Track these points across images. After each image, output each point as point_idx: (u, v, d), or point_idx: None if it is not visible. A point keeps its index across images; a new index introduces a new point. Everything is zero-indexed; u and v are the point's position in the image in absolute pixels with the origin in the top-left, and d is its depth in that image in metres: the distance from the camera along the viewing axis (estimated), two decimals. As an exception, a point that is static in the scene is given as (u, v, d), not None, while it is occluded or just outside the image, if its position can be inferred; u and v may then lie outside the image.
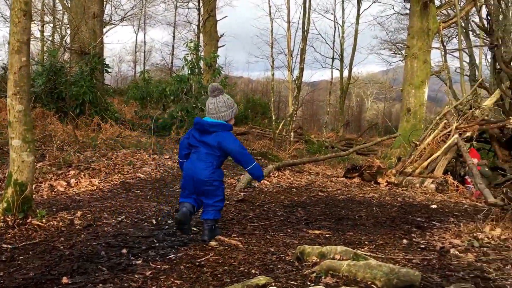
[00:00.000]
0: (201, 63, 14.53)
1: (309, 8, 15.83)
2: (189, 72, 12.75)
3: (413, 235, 4.53)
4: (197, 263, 3.27)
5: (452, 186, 7.95)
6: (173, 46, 35.59)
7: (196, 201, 3.91)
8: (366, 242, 4.12)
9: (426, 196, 7.31)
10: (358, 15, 31.33)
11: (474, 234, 4.49)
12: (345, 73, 33.01)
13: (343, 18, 32.80)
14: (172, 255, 3.47)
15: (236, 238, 4.04)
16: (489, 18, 9.39)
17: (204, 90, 12.92)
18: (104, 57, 13.34)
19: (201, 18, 22.15)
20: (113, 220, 4.45)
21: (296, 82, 15.92)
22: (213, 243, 3.86)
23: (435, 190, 7.79)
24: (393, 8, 40.82)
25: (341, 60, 32.96)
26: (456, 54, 25.02)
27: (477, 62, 27.58)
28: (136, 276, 2.98)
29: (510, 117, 8.63)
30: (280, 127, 16.62)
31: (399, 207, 6.08)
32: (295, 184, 7.27)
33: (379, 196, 6.81)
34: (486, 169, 8.63)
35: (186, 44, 13.29)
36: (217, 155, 3.87)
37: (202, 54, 18.78)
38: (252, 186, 6.60)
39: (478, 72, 23.53)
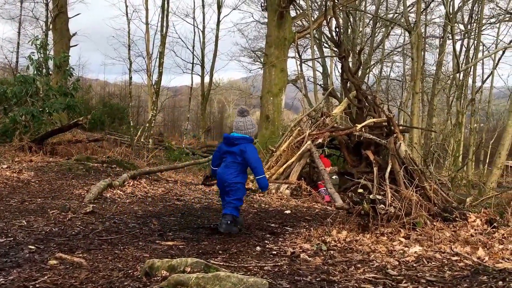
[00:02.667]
0: (50, 63, 13.47)
1: (168, 11, 15.55)
2: (35, 72, 11.69)
3: (266, 241, 4.55)
4: (30, 286, 2.88)
5: (305, 191, 8.29)
6: (18, 43, 32.55)
7: None
8: (220, 252, 4.03)
9: (282, 202, 7.51)
10: (219, 21, 31.76)
11: (323, 238, 4.66)
12: (207, 78, 33.27)
13: (204, 23, 32.97)
14: (1, 279, 3.01)
15: (80, 255, 3.68)
16: (337, 31, 10.00)
17: (53, 93, 11.95)
18: None
19: (50, 14, 20.54)
20: None
21: (155, 86, 15.49)
22: (52, 261, 3.47)
23: (290, 196, 8.05)
24: (253, 16, 42.05)
25: (202, 66, 33.06)
26: (310, 63, 26.61)
27: (329, 71, 29.57)
28: None
29: (357, 125, 9.27)
30: (139, 133, 16.09)
31: (255, 213, 6.13)
32: (151, 194, 6.97)
33: (236, 203, 6.81)
34: (334, 177, 9.11)
35: (32, 41, 12.18)
36: (240, 162, 4.70)
37: (52, 53, 17.47)
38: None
39: (330, 81, 25.25)
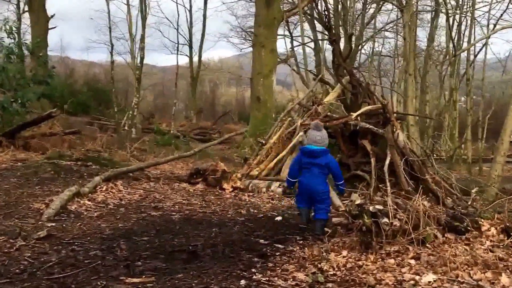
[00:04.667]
0: (25, 49, 12.54)
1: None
2: (5, 59, 10.79)
3: (253, 269, 3.85)
4: None
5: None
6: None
7: (309, 205, 5.30)
8: (198, 291, 3.34)
9: (273, 204, 6.82)
10: (206, -1, 30.67)
11: (319, 265, 3.95)
12: (195, 59, 32.33)
13: (190, 1, 31.76)
14: None
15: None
16: (326, 13, 9.13)
17: (28, 82, 11.08)
18: None
19: (24, -5, 19.30)
20: None
21: (137, 73, 14.58)
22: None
23: (282, 194, 7.34)
24: (242, -7, 40.44)
25: (190, 46, 32.05)
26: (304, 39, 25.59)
27: (321, 47, 28.42)
28: None
29: (351, 113, 8.52)
30: (125, 119, 15.26)
31: (242, 223, 5.41)
32: (126, 200, 6.21)
33: (222, 210, 6.08)
34: None
35: (2, 25, 11.21)
36: (325, 172, 5.20)
37: (29, 37, 16.48)
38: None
39: (321, 62, 24.21)
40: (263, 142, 8.72)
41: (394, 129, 8.05)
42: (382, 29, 29.24)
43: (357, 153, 9.17)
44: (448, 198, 7.73)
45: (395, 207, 4.35)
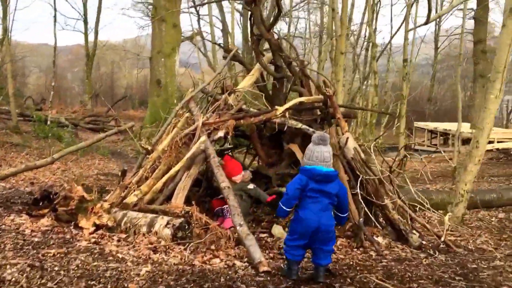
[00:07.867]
0: None
1: None
2: None
3: None
4: None
5: (198, 225, 4.93)
6: None
7: (304, 252, 4.08)
8: None
9: (154, 263, 4.13)
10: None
11: None
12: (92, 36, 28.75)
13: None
14: None
15: None
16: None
17: None
18: None
19: None
20: None
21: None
22: None
23: (171, 239, 4.65)
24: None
25: (85, 22, 28.52)
26: (207, 18, 22.77)
27: (230, 29, 25.83)
28: None
29: (277, 107, 6.00)
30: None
31: None
32: None
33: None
34: (251, 186, 5.87)
35: None
36: (334, 203, 4.04)
37: None
38: None
39: (231, 40, 21.59)
40: (149, 148, 5.94)
41: (340, 131, 5.68)
42: (296, 6, 27.50)
43: (281, 161, 6.74)
44: (414, 232, 5.47)
45: None
